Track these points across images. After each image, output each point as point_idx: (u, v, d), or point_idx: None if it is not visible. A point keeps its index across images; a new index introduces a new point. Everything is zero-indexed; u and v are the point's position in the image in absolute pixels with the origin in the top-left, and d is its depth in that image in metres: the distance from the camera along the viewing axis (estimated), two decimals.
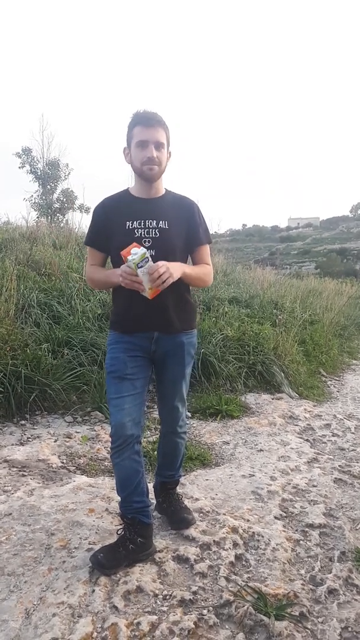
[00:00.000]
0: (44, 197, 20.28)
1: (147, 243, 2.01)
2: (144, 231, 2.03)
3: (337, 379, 6.61)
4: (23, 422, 3.48)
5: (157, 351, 2.12)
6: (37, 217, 15.97)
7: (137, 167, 2.04)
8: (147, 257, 1.84)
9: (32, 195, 20.12)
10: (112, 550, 2.00)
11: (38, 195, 20.41)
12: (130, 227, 2.03)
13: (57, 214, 19.16)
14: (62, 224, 12.35)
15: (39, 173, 20.55)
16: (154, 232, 2.03)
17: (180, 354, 2.17)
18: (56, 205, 20.44)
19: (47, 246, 7.06)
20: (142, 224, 2.03)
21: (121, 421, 1.99)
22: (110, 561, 1.96)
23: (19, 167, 20.61)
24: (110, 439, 2.08)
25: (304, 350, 6.67)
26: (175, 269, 1.93)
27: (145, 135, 1.99)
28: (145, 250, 1.84)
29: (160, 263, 1.87)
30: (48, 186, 20.58)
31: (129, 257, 1.82)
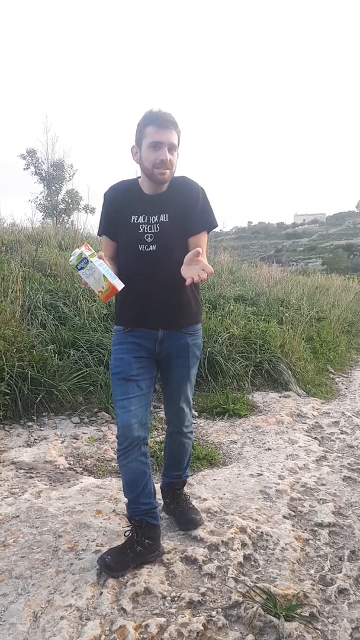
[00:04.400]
0: (49, 198, 20.36)
1: (149, 239, 2.00)
2: (146, 226, 2.02)
3: (345, 375, 6.57)
4: (30, 423, 3.48)
5: (161, 352, 2.10)
6: (43, 219, 16.01)
7: (147, 168, 1.98)
8: (84, 259, 1.75)
9: (37, 197, 20.24)
10: (120, 553, 1.99)
11: (43, 197, 20.52)
12: (135, 222, 2.02)
13: (63, 215, 19.23)
14: (67, 225, 12.37)
15: (43, 174, 20.63)
16: (155, 227, 2.02)
17: (184, 355, 2.14)
18: (61, 206, 20.51)
19: (53, 247, 7.07)
20: (146, 219, 2.02)
21: (127, 423, 1.97)
22: (118, 564, 1.95)
23: (24, 169, 20.70)
24: (117, 440, 2.07)
25: (311, 348, 6.64)
26: None
27: (159, 136, 1.93)
28: (81, 250, 1.77)
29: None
30: (53, 187, 20.65)
31: (69, 260, 1.74)
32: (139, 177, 2.12)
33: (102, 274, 1.77)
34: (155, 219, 2.02)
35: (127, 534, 2.08)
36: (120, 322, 2.12)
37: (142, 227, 2.01)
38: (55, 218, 17.47)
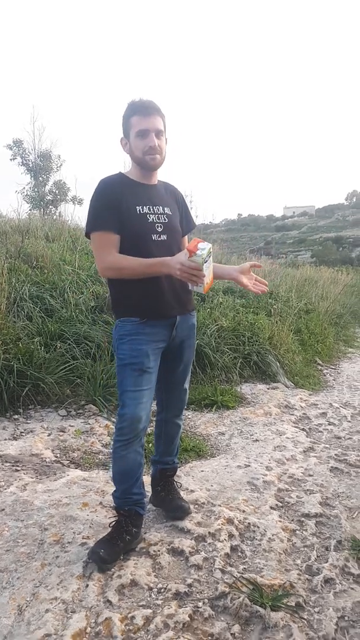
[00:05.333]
0: (36, 189, 20.12)
1: (159, 228, 2.02)
2: (155, 217, 2.02)
3: (333, 367, 6.60)
4: (16, 416, 3.45)
5: (176, 337, 2.12)
6: (30, 210, 15.86)
7: (138, 156, 2.01)
8: (211, 252, 1.83)
9: (24, 188, 19.96)
10: (111, 544, 1.98)
11: (30, 188, 20.25)
12: (142, 212, 2.00)
13: (50, 206, 19.03)
14: (54, 216, 12.26)
15: (30, 165, 20.39)
16: (163, 218, 2.05)
17: (192, 335, 2.23)
18: (49, 197, 20.29)
19: (40, 239, 6.99)
20: (152, 209, 2.03)
21: (138, 415, 1.98)
22: (111, 555, 1.95)
23: (10, 159, 20.44)
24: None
25: (299, 340, 6.65)
26: None
27: (144, 124, 1.96)
28: (210, 245, 1.83)
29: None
30: (40, 178, 20.42)
31: (198, 252, 1.76)
32: (123, 172, 2.12)
33: (212, 267, 1.90)
34: (161, 209, 2.06)
35: (111, 524, 2.07)
36: (136, 314, 2.02)
37: (150, 217, 2.01)
38: (42, 209, 17.29)
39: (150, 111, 1.97)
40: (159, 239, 2.00)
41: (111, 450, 3.02)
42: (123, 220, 1.97)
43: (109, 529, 2.06)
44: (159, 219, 2.03)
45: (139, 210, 2.00)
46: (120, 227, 1.97)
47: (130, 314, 2.03)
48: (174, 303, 2.06)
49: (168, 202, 2.12)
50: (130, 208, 1.99)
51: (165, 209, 2.07)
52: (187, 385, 2.32)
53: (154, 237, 1.99)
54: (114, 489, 2.11)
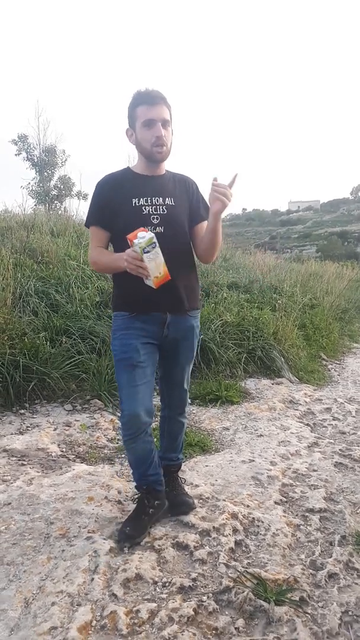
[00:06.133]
0: (41, 185, 20.13)
1: (155, 220, 1.99)
2: (151, 208, 1.99)
3: (338, 362, 6.60)
4: (22, 411, 3.47)
5: (168, 336, 2.09)
6: (35, 205, 15.86)
7: (145, 148, 1.99)
8: (154, 243, 1.76)
9: (29, 183, 19.98)
10: (136, 520, 2.10)
11: (35, 183, 20.27)
12: (137, 205, 1.99)
13: (55, 201, 19.04)
14: (60, 211, 12.27)
15: (35, 160, 20.39)
16: (161, 209, 2.01)
17: (190, 338, 2.18)
18: (54, 192, 20.31)
19: (45, 234, 6.99)
20: (149, 201, 2.00)
21: (135, 412, 1.99)
22: (137, 530, 2.07)
23: (15, 155, 20.45)
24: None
25: (304, 335, 6.64)
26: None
27: (151, 114, 1.93)
28: (152, 235, 1.78)
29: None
30: (45, 173, 20.43)
31: (135, 241, 1.74)
32: (129, 166, 2.13)
33: (162, 261, 1.81)
34: (160, 200, 2.01)
35: (135, 498, 2.22)
36: (126, 308, 2.06)
37: (145, 209, 1.99)
38: (47, 204, 17.29)
39: (156, 100, 1.95)
40: (155, 231, 1.93)
41: (116, 445, 3.04)
42: (116, 215, 1.99)
43: (134, 505, 2.19)
44: (156, 210, 1.99)
45: (134, 203, 1.99)
46: (112, 222, 2.00)
47: (120, 308, 2.08)
48: (160, 300, 1.99)
49: (173, 192, 2.07)
50: (126, 201, 1.99)
51: (166, 199, 2.03)
52: (186, 386, 2.29)
53: (149, 229, 1.94)
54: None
